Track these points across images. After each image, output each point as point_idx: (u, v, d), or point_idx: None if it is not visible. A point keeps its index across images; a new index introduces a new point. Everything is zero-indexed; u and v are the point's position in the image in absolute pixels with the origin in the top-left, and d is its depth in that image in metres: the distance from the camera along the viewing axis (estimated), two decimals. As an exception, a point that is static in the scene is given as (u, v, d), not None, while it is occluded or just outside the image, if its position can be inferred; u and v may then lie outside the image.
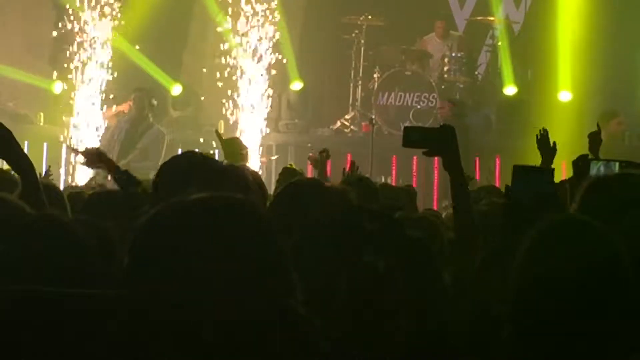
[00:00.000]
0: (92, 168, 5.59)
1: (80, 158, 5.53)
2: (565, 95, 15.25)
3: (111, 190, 5.47)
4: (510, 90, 15.39)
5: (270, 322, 2.03)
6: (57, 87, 15.16)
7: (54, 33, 15.03)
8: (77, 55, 14.67)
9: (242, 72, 15.03)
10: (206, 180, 3.71)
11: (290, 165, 8.89)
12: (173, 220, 2.07)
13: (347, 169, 8.30)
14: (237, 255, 2.03)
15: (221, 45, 15.00)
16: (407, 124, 14.22)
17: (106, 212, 4.44)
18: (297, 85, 15.83)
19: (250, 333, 2.00)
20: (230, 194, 2.16)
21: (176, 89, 15.57)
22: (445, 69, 15.59)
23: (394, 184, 12.52)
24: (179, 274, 1.99)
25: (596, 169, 4.94)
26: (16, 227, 2.96)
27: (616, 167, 4.76)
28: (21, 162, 3.86)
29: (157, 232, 2.07)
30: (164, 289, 2.00)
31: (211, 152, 9.01)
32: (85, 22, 14.69)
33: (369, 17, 15.83)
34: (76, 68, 14.65)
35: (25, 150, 3.99)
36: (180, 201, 2.11)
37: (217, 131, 9.02)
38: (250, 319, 2.00)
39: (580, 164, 5.12)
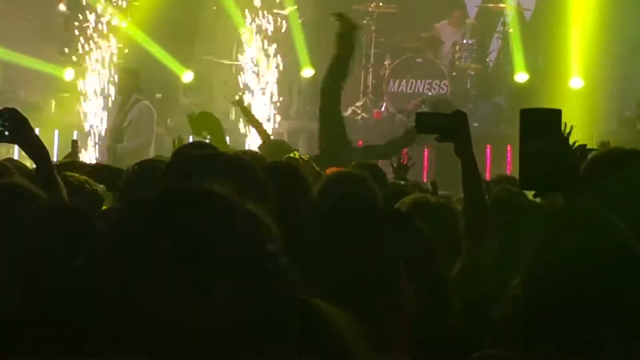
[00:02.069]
0: None
1: None
2: (576, 82, 15.20)
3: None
4: (521, 77, 15.34)
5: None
6: (68, 74, 15.16)
7: (61, 8, 14.98)
8: (87, 42, 14.69)
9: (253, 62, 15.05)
10: (219, 171, 3.67)
11: (294, 154, 8.82)
12: (133, 224, 1.88)
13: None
14: (209, 258, 1.85)
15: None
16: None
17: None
18: (308, 72, 15.79)
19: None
20: (202, 187, 1.95)
21: (187, 76, 15.55)
22: (457, 56, 15.55)
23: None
24: (138, 288, 1.82)
25: None
26: (31, 213, 2.97)
27: None
28: (36, 149, 3.89)
29: (116, 238, 1.88)
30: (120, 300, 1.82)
31: (227, 138, 8.96)
32: (96, 11, 14.71)
33: (380, 4, 15.81)
34: (87, 53, 14.66)
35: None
36: (143, 200, 1.91)
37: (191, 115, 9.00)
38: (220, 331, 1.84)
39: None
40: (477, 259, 3.86)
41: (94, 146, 13.70)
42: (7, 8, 15.68)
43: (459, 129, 4.05)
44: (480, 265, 3.79)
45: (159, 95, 14.81)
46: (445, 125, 4.08)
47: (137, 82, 12.80)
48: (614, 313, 2.59)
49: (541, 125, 3.49)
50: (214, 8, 15.63)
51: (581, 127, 10.55)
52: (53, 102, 15.34)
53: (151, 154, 11.67)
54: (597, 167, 3.82)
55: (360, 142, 14.42)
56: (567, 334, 2.59)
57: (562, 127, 3.65)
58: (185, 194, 1.95)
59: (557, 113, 3.53)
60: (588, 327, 2.58)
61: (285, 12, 14.98)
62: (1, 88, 15.32)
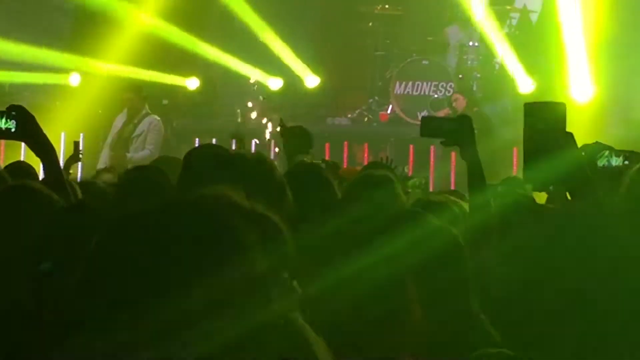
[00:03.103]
0: None
1: None
2: (583, 85, 15.11)
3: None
4: (527, 86, 15.16)
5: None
6: (74, 79, 15.19)
7: None
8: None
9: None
10: (234, 173, 3.64)
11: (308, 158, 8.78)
12: (127, 241, 1.86)
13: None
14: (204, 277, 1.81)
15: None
16: (424, 114, 14.35)
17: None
18: (312, 80, 15.70)
19: None
20: (196, 200, 1.93)
21: (191, 83, 15.52)
22: (463, 58, 15.55)
23: (410, 173, 12.49)
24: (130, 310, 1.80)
25: (606, 159, 4.97)
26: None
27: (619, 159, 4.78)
28: (43, 146, 3.87)
29: (108, 256, 1.86)
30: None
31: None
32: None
33: (386, 6, 15.80)
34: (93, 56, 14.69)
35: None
36: (137, 215, 1.89)
37: (281, 121, 8.85)
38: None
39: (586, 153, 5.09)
40: (480, 262, 3.84)
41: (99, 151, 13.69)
42: (14, 9, 15.67)
43: (464, 133, 4.05)
44: (483, 269, 3.77)
45: (165, 102, 14.82)
46: (450, 129, 4.08)
47: (143, 95, 12.92)
48: (610, 316, 2.58)
49: (546, 119, 3.48)
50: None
51: (588, 131, 10.54)
52: (58, 104, 15.33)
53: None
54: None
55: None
56: (558, 337, 2.58)
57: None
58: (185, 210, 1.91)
59: (562, 107, 3.52)
60: (582, 328, 2.57)
61: None
62: (7, 89, 15.31)
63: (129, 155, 12.41)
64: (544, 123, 3.46)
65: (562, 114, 3.52)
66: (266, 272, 1.89)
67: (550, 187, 5.46)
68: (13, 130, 3.81)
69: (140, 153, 12.42)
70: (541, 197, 6.75)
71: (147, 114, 12.70)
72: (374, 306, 2.73)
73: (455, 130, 4.06)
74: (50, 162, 3.86)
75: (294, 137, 8.33)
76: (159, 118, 12.81)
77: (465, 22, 15.98)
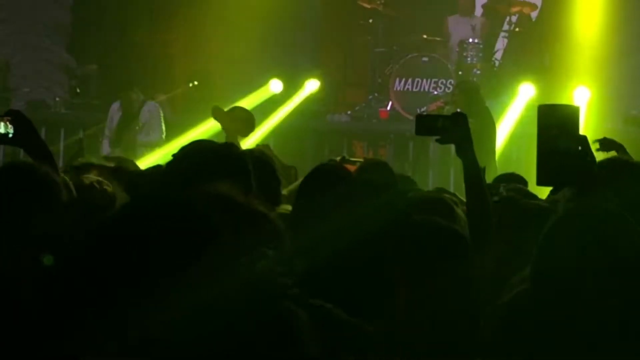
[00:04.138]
0: None
1: None
2: (582, 93, 14.98)
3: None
4: (527, 91, 15.07)
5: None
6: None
7: None
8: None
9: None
10: (223, 170, 3.64)
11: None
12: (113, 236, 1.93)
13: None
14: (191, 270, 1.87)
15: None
16: (423, 110, 14.33)
17: None
18: (313, 84, 15.67)
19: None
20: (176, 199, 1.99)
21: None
22: (463, 54, 15.53)
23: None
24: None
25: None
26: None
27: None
28: (40, 151, 3.87)
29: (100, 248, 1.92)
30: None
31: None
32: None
33: (385, 2, 15.81)
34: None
35: (42, 137, 4.00)
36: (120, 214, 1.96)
37: (216, 108, 8.89)
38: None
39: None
40: (479, 261, 3.84)
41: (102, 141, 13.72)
42: (16, 5, 15.66)
43: (459, 130, 4.04)
44: (482, 267, 3.78)
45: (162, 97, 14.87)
46: (445, 127, 4.07)
47: (137, 87, 13.02)
48: (620, 313, 2.57)
49: (559, 121, 3.48)
50: None
51: (586, 126, 10.51)
52: (59, 100, 15.32)
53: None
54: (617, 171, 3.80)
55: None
56: (571, 331, 2.58)
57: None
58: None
59: (575, 109, 3.53)
60: (595, 325, 2.57)
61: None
62: (6, 85, 15.29)
63: (139, 138, 12.60)
64: (557, 125, 3.46)
65: (575, 117, 3.52)
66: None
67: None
68: (11, 135, 3.80)
69: (150, 137, 12.65)
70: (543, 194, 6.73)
71: (143, 102, 12.84)
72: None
73: (450, 128, 4.05)
74: (48, 166, 3.85)
75: (234, 120, 8.36)
76: (155, 103, 12.95)
77: (466, 6, 15.95)
